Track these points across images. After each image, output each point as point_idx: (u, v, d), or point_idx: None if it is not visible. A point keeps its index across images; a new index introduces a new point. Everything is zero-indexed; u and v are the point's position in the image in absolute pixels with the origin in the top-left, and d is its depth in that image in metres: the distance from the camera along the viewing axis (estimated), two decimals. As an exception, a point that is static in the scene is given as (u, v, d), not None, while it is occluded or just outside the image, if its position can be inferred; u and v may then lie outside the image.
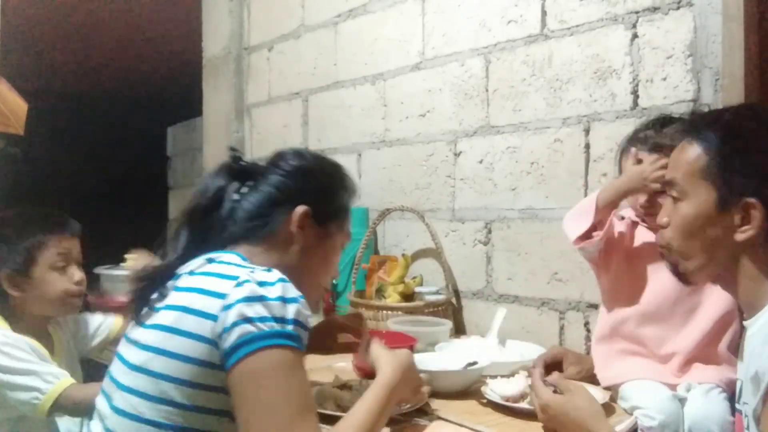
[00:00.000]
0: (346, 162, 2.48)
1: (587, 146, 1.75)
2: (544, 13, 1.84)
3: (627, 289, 1.40)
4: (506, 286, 1.95)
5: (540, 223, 1.85)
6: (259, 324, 0.86)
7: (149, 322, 0.96)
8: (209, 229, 1.07)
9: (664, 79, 1.59)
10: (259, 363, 0.85)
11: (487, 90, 1.99)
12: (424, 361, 1.45)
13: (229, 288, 0.89)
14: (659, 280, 1.34)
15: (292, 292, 0.91)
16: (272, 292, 0.89)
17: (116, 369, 0.98)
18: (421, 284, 2.04)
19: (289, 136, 2.73)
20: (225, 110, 3.07)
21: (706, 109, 1.41)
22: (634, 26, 1.65)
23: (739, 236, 0.94)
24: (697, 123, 1.03)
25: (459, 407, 1.29)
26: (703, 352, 1.32)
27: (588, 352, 1.72)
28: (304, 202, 1.08)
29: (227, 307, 0.88)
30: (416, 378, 1.16)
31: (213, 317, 0.88)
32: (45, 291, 1.48)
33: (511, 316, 1.79)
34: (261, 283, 0.89)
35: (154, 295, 0.99)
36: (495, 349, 1.62)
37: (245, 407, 0.86)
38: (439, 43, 2.14)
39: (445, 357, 1.50)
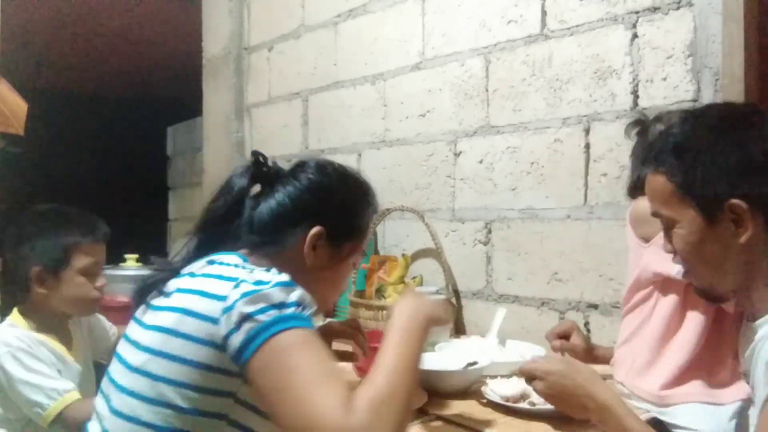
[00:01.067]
0: (346, 162, 2.47)
1: (587, 146, 1.75)
2: (544, 13, 1.84)
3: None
4: (506, 286, 1.95)
5: (540, 223, 1.85)
6: (260, 317, 0.85)
7: (149, 322, 0.95)
8: (224, 235, 1.05)
9: (664, 79, 1.59)
10: (269, 353, 0.83)
11: (487, 90, 1.99)
12: (424, 361, 1.45)
13: (228, 290, 0.88)
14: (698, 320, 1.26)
15: (291, 282, 0.90)
16: (269, 284, 0.88)
17: (115, 369, 0.97)
18: (421, 284, 2.04)
19: (289, 136, 2.73)
20: (225, 110, 3.07)
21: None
22: (634, 26, 1.65)
23: (742, 239, 0.93)
24: (651, 153, 1.02)
25: (459, 407, 1.29)
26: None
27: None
28: (321, 221, 1.05)
29: (227, 309, 0.86)
30: (431, 303, 1.05)
31: (214, 320, 0.87)
32: (70, 293, 1.49)
33: (511, 316, 1.79)
34: (258, 282, 0.89)
35: (155, 295, 0.98)
36: (495, 349, 1.62)
37: (271, 396, 0.83)
38: (439, 43, 2.14)
39: (445, 357, 1.49)
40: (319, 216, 1.06)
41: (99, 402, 0.98)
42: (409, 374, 0.87)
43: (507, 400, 1.26)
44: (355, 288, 2.09)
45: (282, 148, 2.74)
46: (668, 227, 1.01)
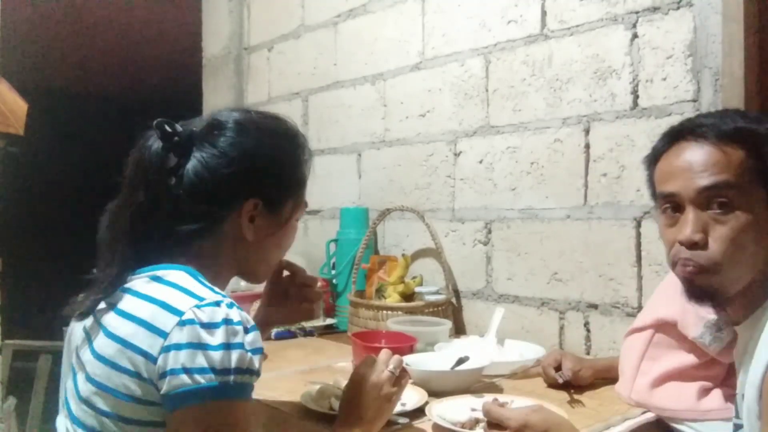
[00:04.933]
0: (346, 162, 2.48)
1: (587, 146, 1.75)
2: (544, 13, 1.84)
3: None
4: (506, 286, 1.95)
5: (540, 223, 1.85)
6: (198, 377, 0.81)
7: (97, 348, 0.90)
8: (152, 232, 0.95)
9: (664, 79, 1.59)
10: (194, 416, 0.82)
11: (487, 90, 1.99)
12: (421, 361, 1.44)
13: (170, 325, 0.84)
14: None
15: (238, 335, 0.84)
16: (216, 337, 0.83)
17: (70, 392, 0.94)
18: (421, 284, 2.04)
19: (289, 136, 2.72)
20: (225, 110, 3.07)
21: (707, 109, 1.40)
22: (634, 26, 1.65)
23: None
24: (727, 126, 0.95)
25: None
26: None
27: (588, 352, 1.73)
28: (253, 192, 0.98)
29: (166, 349, 0.83)
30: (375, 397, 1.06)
31: (152, 358, 0.84)
32: None
33: (511, 316, 1.79)
34: (205, 326, 0.83)
35: (101, 306, 0.93)
36: (493, 349, 1.62)
37: None
38: (439, 43, 2.14)
39: (438, 357, 1.49)
40: (251, 186, 0.98)
41: (60, 421, 0.96)
42: None
43: (463, 426, 1.12)
44: (355, 288, 2.09)
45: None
46: (724, 202, 0.92)
